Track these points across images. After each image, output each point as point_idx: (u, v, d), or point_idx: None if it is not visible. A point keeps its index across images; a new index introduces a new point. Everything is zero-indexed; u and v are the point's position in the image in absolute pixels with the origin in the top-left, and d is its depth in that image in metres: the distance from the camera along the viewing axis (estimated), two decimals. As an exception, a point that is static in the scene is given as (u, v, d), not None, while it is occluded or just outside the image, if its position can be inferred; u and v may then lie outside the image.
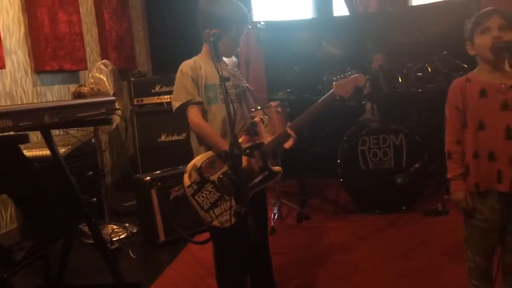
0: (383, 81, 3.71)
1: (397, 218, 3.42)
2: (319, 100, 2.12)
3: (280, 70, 4.38)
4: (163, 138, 4.56)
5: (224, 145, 1.92)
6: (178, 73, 2.06)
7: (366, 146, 3.52)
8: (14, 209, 3.49)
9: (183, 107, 2.01)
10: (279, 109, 3.40)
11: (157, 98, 4.53)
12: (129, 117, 4.66)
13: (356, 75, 2.11)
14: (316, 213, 3.70)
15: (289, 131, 2.04)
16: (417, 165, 3.39)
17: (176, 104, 2.03)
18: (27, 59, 3.77)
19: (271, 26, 4.51)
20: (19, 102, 3.64)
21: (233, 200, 1.90)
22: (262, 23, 4.40)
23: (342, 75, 2.11)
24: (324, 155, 4.14)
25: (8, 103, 3.53)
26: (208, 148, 2.02)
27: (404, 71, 3.65)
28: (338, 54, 4.24)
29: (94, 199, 3.73)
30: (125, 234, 3.57)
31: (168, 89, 4.47)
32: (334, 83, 2.11)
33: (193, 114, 2.00)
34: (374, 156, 3.52)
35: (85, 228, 3.28)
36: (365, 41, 4.24)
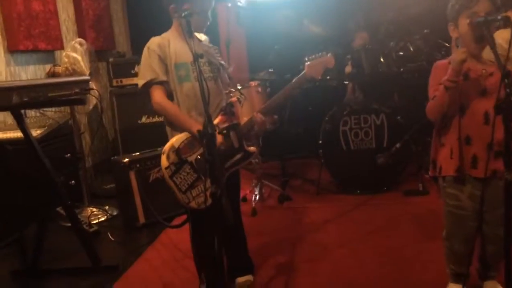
0: (365, 61, 3.67)
1: (378, 198, 3.43)
2: (292, 82, 2.10)
3: (261, 50, 4.32)
4: (144, 120, 4.47)
5: (194, 125, 1.88)
6: (145, 50, 2.01)
7: (348, 126, 3.50)
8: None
9: (147, 86, 1.96)
10: (259, 89, 3.34)
11: (137, 79, 4.42)
12: (108, 99, 4.56)
13: (327, 56, 2.07)
14: (298, 194, 3.69)
15: (255, 115, 2.01)
16: (398, 145, 3.39)
17: (140, 82, 2.00)
18: (0, 38, 3.64)
19: (251, 4, 4.41)
20: (-8, 83, 3.53)
21: (208, 181, 1.87)
22: (242, 1, 4.30)
23: (313, 56, 2.08)
24: (306, 135, 4.13)
25: (-20, 84, 3.41)
26: (182, 130, 1.98)
27: (386, 51, 3.62)
28: (320, 33, 4.18)
29: (73, 181, 3.66)
30: (105, 217, 3.52)
31: (148, 69, 4.37)
32: (306, 64, 2.08)
33: (156, 95, 1.96)
34: (355, 136, 3.51)
35: (63, 211, 3.23)
36: (347, 20, 4.19)
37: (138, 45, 5.48)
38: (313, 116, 4.08)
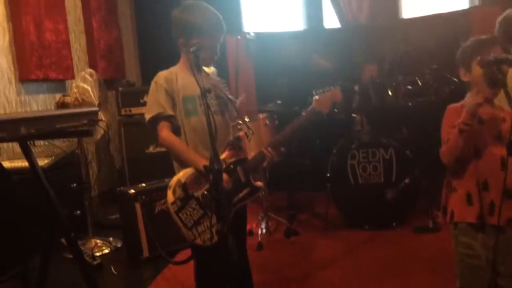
0: (373, 94, 3.67)
1: (387, 234, 3.36)
2: (300, 116, 2.10)
3: (270, 82, 4.34)
4: (151, 149, 4.47)
5: (199, 160, 1.86)
6: (152, 84, 2.01)
7: (356, 160, 3.46)
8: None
9: (154, 120, 1.96)
10: (267, 122, 3.34)
11: (145, 113, 4.45)
12: (116, 127, 4.58)
13: (333, 90, 2.08)
14: (305, 228, 3.62)
15: (265, 152, 2.00)
16: (407, 180, 3.34)
17: (147, 116, 1.99)
18: (11, 67, 3.69)
19: (261, 37, 4.47)
20: (1, 112, 3.55)
21: (214, 218, 1.83)
22: (252, 34, 4.35)
23: (321, 90, 2.10)
24: (314, 168, 4.09)
25: (-10, 112, 3.44)
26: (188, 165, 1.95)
27: (394, 84, 3.62)
28: (329, 66, 4.20)
29: (78, 211, 3.63)
30: (109, 249, 3.47)
31: (157, 99, 4.40)
32: (314, 98, 2.08)
33: (163, 130, 1.95)
34: (363, 170, 3.46)
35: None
36: (355, 53, 4.21)
37: (148, 75, 5.55)
38: (321, 148, 4.05)
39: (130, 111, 4.47)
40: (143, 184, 3.37)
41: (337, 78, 3.83)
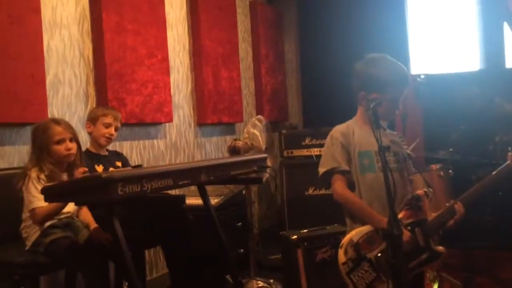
0: None
1: None
2: (493, 173, 1.91)
3: (440, 128, 4.00)
4: (310, 191, 4.49)
5: (378, 220, 1.75)
6: (328, 138, 1.98)
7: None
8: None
9: (328, 175, 1.91)
10: (442, 173, 3.06)
11: (307, 151, 4.53)
12: (278, 168, 4.71)
13: None
14: (485, 295, 3.17)
15: (457, 207, 1.79)
16: None
17: (321, 170, 1.96)
18: (192, 113, 4.09)
19: (431, 79, 4.19)
20: (182, 153, 3.94)
21: (390, 285, 1.70)
22: (421, 76, 4.12)
23: None
24: (495, 224, 3.59)
25: (172, 153, 3.83)
26: (364, 222, 1.86)
27: None
28: (514, 111, 3.72)
29: (242, 250, 3.78)
30: (269, 291, 3.50)
31: (318, 142, 4.43)
32: (509, 153, 1.86)
33: (338, 185, 1.90)
34: (563, 235, 2.91)
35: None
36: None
37: (309, 118, 5.66)
38: (505, 203, 3.54)
39: (291, 153, 4.58)
40: (305, 230, 3.35)
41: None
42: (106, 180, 1.68)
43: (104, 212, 1.83)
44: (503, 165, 1.88)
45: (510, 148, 1.90)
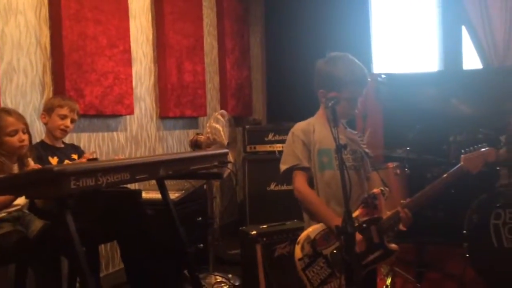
0: (523, 146, 3.25)
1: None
2: (445, 175, 1.95)
3: (399, 127, 4.10)
4: (272, 187, 4.52)
5: (333, 219, 1.77)
6: (289, 135, 1.99)
7: (501, 220, 3.06)
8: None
9: (289, 171, 1.93)
10: (398, 171, 3.14)
11: (270, 146, 4.55)
12: (241, 164, 4.71)
13: (487, 148, 1.89)
14: (435, 289, 3.28)
15: (403, 213, 1.84)
16: None
17: (282, 167, 1.97)
18: (154, 105, 4.02)
19: (392, 79, 4.28)
20: (143, 146, 3.87)
21: (343, 280, 1.73)
22: (382, 75, 4.20)
23: (471, 148, 1.91)
24: (446, 220, 3.71)
25: (133, 146, 3.76)
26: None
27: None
28: (469, 112, 3.85)
29: (201, 245, 3.75)
30: (227, 286, 3.50)
31: (281, 138, 4.45)
32: (462, 156, 1.92)
33: (298, 181, 1.92)
34: (510, 232, 3.05)
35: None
36: (501, 98, 3.81)
37: (273, 113, 5.68)
38: (457, 200, 3.67)
39: (254, 148, 4.59)
40: (265, 226, 3.37)
41: (479, 126, 3.49)
42: (59, 173, 1.62)
43: (56, 206, 1.77)
44: (456, 167, 1.93)
45: (463, 150, 1.95)
